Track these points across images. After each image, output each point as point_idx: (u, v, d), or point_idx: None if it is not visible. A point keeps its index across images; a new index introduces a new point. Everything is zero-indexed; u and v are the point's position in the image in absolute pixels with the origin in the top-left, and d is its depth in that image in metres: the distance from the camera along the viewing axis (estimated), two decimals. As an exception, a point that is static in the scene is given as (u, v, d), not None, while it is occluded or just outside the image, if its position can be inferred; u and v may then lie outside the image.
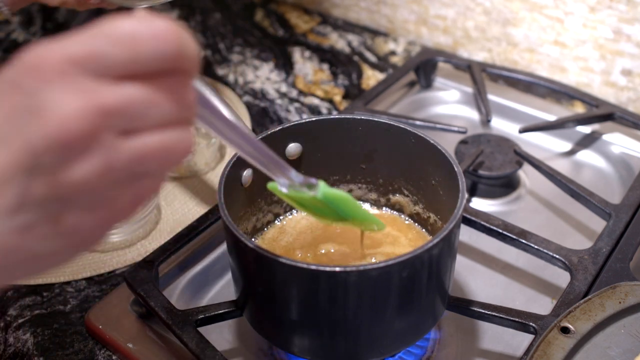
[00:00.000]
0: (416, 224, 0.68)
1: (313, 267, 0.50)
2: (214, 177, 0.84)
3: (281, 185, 0.48)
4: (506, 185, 0.84)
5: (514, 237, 0.68)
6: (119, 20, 0.31)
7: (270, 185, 0.49)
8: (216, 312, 0.60)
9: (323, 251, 0.64)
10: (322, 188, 0.49)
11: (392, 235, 0.67)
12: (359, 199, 0.70)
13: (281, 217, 0.69)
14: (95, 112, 0.29)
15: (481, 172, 0.80)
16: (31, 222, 0.31)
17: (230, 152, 0.87)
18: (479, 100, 0.92)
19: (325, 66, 1.07)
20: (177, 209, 0.80)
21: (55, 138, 0.29)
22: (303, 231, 0.67)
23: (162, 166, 0.33)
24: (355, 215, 0.55)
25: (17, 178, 0.29)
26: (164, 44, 0.31)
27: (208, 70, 1.06)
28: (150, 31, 0.31)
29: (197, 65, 0.33)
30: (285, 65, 1.08)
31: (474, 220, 0.70)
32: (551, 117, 0.90)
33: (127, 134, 0.31)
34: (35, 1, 0.63)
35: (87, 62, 0.30)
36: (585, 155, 0.89)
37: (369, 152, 0.67)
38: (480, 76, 0.94)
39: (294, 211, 0.69)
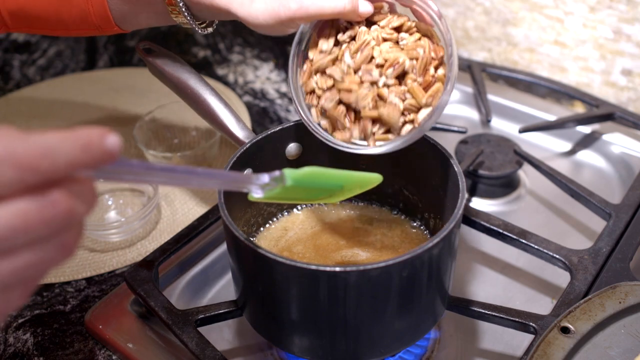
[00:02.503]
0: (416, 223, 0.68)
1: (313, 267, 0.50)
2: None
3: (255, 192, 0.47)
4: (506, 185, 0.84)
5: (514, 237, 0.68)
6: None
7: (249, 197, 0.48)
8: (216, 312, 0.60)
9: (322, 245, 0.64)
10: (288, 175, 0.47)
11: (392, 234, 0.67)
12: (359, 198, 0.70)
13: (280, 216, 0.69)
14: None
15: (481, 172, 0.80)
16: None
17: (230, 153, 0.87)
18: (479, 100, 0.92)
19: (325, 66, 1.07)
20: (177, 209, 0.80)
21: None
22: (302, 228, 0.67)
23: (37, 279, 0.33)
24: (340, 181, 0.52)
25: None
26: (30, 166, 0.30)
27: (208, 70, 1.06)
28: (12, 156, 0.30)
29: (80, 163, 0.31)
30: (285, 65, 1.08)
31: (474, 220, 0.70)
32: (551, 117, 0.90)
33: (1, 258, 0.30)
34: (228, 19, 0.62)
35: None
36: (585, 155, 0.89)
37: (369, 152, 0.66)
38: (480, 76, 0.94)
39: (294, 209, 0.69)
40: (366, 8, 0.56)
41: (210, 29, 0.66)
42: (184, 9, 0.61)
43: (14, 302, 0.33)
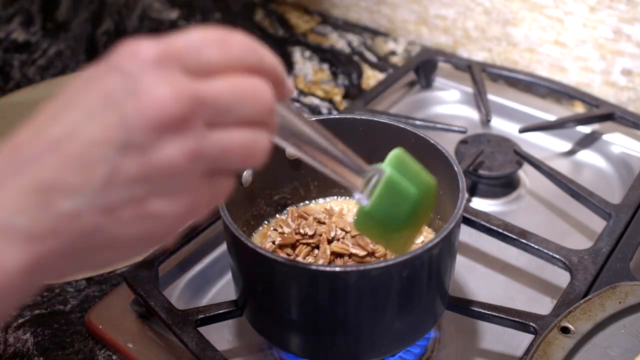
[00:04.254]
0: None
1: (313, 267, 0.50)
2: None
3: (361, 196, 0.46)
4: (506, 185, 0.84)
5: (514, 237, 0.68)
6: (208, 27, 0.34)
7: (356, 221, 0.48)
8: (216, 312, 0.60)
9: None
10: (385, 164, 0.47)
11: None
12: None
13: (279, 216, 0.69)
14: (188, 98, 0.31)
15: (481, 172, 0.80)
16: (116, 203, 0.31)
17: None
18: (479, 100, 0.92)
19: (326, 66, 1.07)
20: (177, 209, 0.80)
21: (151, 117, 0.30)
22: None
23: (241, 163, 0.34)
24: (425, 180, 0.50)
25: (108, 155, 0.30)
26: (247, 51, 0.34)
27: (208, 70, 1.06)
28: (236, 38, 0.34)
29: (275, 77, 0.36)
30: (285, 65, 1.08)
31: (474, 220, 0.70)
32: (551, 117, 0.90)
33: (213, 126, 0.32)
34: None
35: (182, 56, 0.32)
36: (585, 155, 0.89)
37: (369, 152, 0.66)
38: (480, 76, 0.94)
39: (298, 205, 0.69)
40: None
41: None
42: None
43: (223, 187, 0.34)
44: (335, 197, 0.71)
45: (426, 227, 0.65)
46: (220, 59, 0.33)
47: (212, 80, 0.32)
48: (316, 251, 0.63)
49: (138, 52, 0.31)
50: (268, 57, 0.36)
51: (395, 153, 0.49)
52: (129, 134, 0.30)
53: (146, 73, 0.31)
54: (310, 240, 0.63)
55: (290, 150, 0.58)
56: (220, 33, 0.34)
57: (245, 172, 0.62)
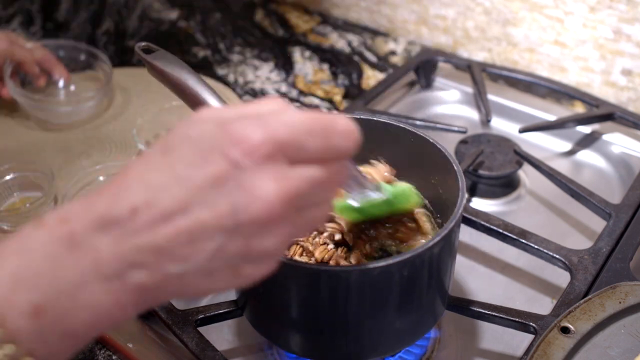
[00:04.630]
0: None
1: (314, 266, 0.50)
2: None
3: (354, 198, 0.51)
4: (506, 185, 0.84)
5: (514, 237, 0.68)
6: (316, 113, 0.38)
7: (337, 207, 0.52)
8: (216, 312, 0.60)
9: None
10: (388, 189, 0.53)
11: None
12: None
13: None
14: (289, 198, 0.35)
15: (481, 172, 0.80)
16: (216, 270, 0.36)
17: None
18: (479, 100, 0.92)
19: (326, 66, 1.07)
20: (177, 209, 0.80)
21: (258, 215, 0.34)
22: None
23: (313, 230, 0.42)
24: (406, 202, 0.57)
25: (217, 235, 0.34)
26: (349, 143, 0.38)
27: (208, 70, 1.06)
28: (341, 128, 0.38)
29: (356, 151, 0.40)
30: (285, 65, 1.08)
31: (474, 220, 0.70)
32: (551, 117, 0.90)
33: (300, 210, 0.37)
34: None
35: (289, 149, 0.35)
36: (585, 155, 0.89)
37: (369, 152, 0.66)
38: (480, 76, 0.94)
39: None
40: None
41: None
42: None
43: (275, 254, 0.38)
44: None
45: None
46: (321, 152, 0.37)
47: (308, 168, 0.36)
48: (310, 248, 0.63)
49: (248, 141, 0.34)
50: (358, 141, 0.39)
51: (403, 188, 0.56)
52: (237, 224, 0.34)
53: (254, 170, 0.34)
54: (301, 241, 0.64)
55: None
56: (324, 120, 0.37)
57: None
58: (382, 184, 0.53)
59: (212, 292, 0.41)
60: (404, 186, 0.56)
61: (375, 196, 0.51)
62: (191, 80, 0.67)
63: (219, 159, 0.34)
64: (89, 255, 0.33)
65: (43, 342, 0.33)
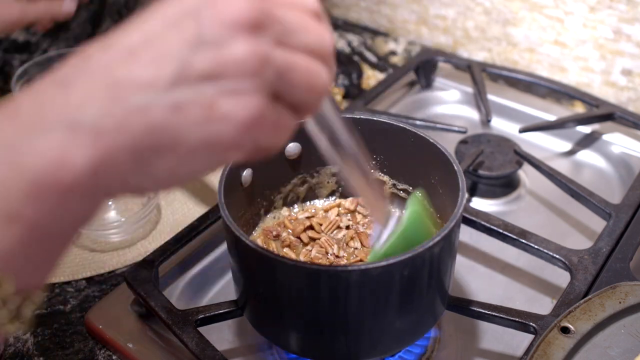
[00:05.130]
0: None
1: (314, 266, 0.50)
2: (214, 177, 0.84)
3: (379, 231, 0.51)
4: (506, 185, 0.84)
5: (514, 237, 0.68)
6: None
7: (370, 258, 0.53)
8: (216, 312, 0.60)
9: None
10: (406, 215, 0.52)
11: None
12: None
13: (279, 216, 0.69)
14: (261, 10, 0.32)
15: (481, 172, 0.80)
16: (186, 101, 0.31)
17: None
18: (479, 100, 0.92)
19: (325, 66, 1.07)
20: (177, 209, 0.80)
21: (226, 17, 0.31)
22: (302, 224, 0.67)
23: (304, 92, 0.34)
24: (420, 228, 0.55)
25: (181, 52, 0.30)
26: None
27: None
28: None
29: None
30: (285, 65, 1.08)
31: (474, 220, 0.70)
32: (551, 117, 0.90)
33: (282, 45, 0.33)
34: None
35: None
36: (585, 155, 0.89)
37: (369, 152, 0.66)
38: (480, 76, 0.94)
39: (294, 206, 0.69)
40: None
41: None
42: None
43: (286, 121, 0.34)
44: (334, 198, 0.71)
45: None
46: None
47: (281, 7, 0.33)
48: (313, 251, 0.63)
49: None
50: (324, 18, 0.37)
51: (415, 209, 0.53)
52: (202, 31, 0.31)
53: None
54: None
55: (290, 151, 0.59)
56: None
57: (245, 172, 0.62)
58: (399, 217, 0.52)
59: (186, 159, 0.32)
60: (416, 212, 0.54)
61: (393, 223, 0.51)
62: None
63: None
64: (37, 111, 0.30)
65: None
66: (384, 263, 0.49)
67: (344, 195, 0.70)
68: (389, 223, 0.51)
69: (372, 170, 0.46)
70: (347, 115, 0.65)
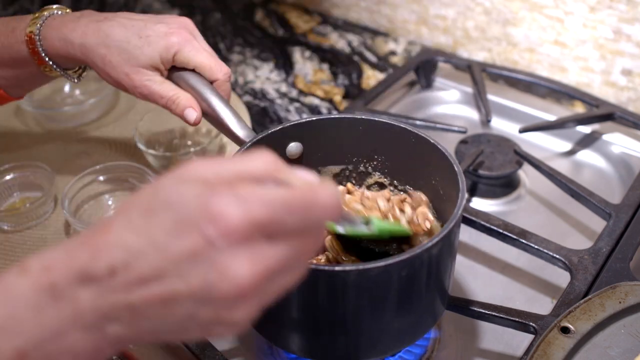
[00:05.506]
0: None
1: (312, 266, 0.50)
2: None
3: (341, 226, 0.51)
4: (506, 185, 0.84)
5: (514, 237, 0.68)
6: (297, 187, 0.38)
7: (329, 226, 0.53)
8: (216, 312, 0.60)
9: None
10: (377, 224, 0.52)
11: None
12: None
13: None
14: (261, 277, 0.36)
15: (481, 172, 0.80)
16: (187, 328, 0.37)
17: (230, 151, 0.87)
18: (479, 100, 0.92)
19: (325, 66, 1.07)
20: (177, 209, 0.80)
21: (229, 294, 0.35)
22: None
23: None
24: (395, 233, 0.57)
25: (189, 304, 0.35)
26: (329, 214, 0.38)
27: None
28: (322, 202, 0.37)
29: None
30: (285, 65, 1.08)
31: (474, 220, 0.70)
32: (551, 117, 0.90)
33: (273, 282, 0.37)
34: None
35: (267, 228, 0.35)
36: (585, 155, 0.89)
37: (370, 152, 0.67)
38: (480, 76, 0.94)
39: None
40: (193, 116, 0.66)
41: (84, 74, 0.73)
42: (54, 67, 0.68)
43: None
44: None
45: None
46: (300, 228, 0.37)
47: (285, 244, 0.36)
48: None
49: (225, 222, 0.34)
50: (340, 209, 0.40)
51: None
52: (208, 297, 0.35)
53: (229, 251, 0.35)
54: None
55: (291, 150, 0.60)
56: (306, 197, 0.37)
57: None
58: (372, 218, 0.53)
59: (183, 340, 0.42)
60: (396, 227, 0.57)
61: (361, 229, 0.51)
62: (193, 79, 0.67)
63: (196, 234, 0.35)
64: (69, 305, 0.35)
65: None
66: (382, 264, 0.49)
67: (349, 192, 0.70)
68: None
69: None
70: (347, 115, 0.65)
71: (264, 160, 0.39)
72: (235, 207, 0.35)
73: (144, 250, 0.35)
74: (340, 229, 0.51)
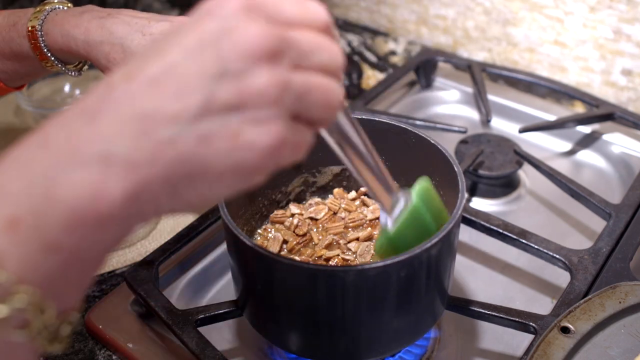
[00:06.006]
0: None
1: (312, 266, 0.50)
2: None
3: (387, 218, 0.49)
4: (506, 185, 0.84)
5: (514, 237, 0.68)
6: None
7: (376, 247, 0.52)
8: (216, 312, 0.60)
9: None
10: (413, 193, 0.50)
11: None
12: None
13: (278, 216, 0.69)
14: (278, 37, 0.33)
15: (481, 172, 0.80)
16: (212, 131, 0.32)
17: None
18: (479, 100, 0.92)
19: (325, 66, 1.07)
20: (177, 209, 0.80)
21: (245, 48, 0.32)
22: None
23: (321, 109, 0.36)
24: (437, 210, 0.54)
25: (204, 84, 0.32)
26: (320, 14, 0.36)
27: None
28: (312, 5, 0.36)
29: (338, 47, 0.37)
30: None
31: (474, 220, 0.70)
32: (551, 117, 0.90)
33: (298, 68, 0.34)
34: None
35: (266, 8, 0.34)
36: (585, 155, 0.89)
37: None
38: (480, 76, 0.94)
39: (291, 206, 0.69)
40: None
41: (84, 68, 0.72)
42: (56, 62, 0.67)
43: (305, 136, 0.36)
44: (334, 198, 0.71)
45: None
46: (298, 16, 0.35)
47: (294, 30, 0.34)
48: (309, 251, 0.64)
49: (226, 1, 0.33)
50: (334, 31, 0.38)
51: (423, 185, 0.52)
52: (224, 63, 0.32)
53: (238, 17, 0.33)
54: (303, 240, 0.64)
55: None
56: None
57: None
58: (403, 192, 0.51)
59: (215, 184, 0.34)
60: (424, 185, 0.53)
61: (401, 205, 0.49)
62: None
63: (203, 21, 0.33)
64: (68, 142, 0.31)
65: (27, 261, 0.30)
66: (380, 264, 0.49)
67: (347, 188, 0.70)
68: (398, 205, 0.50)
69: (381, 165, 0.46)
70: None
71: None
72: None
73: (150, 55, 0.33)
74: (389, 225, 0.50)
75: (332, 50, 0.36)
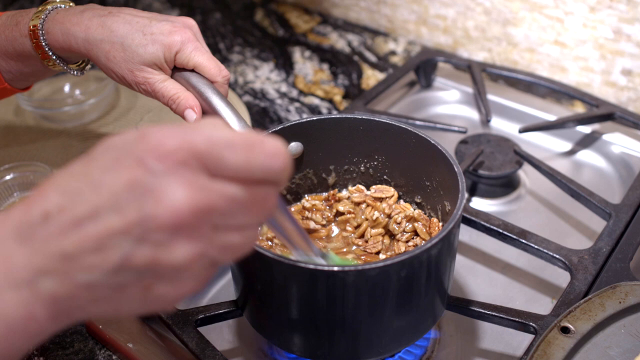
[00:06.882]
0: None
1: (312, 266, 0.50)
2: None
3: (297, 256, 0.50)
4: (506, 185, 0.84)
5: (514, 237, 0.68)
6: (238, 131, 0.36)
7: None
8: (216, 312, 0.60)
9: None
10: (334, 259, 0.53)
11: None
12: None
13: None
14: (202, 209, 0.34)
15: (481, 172, 0.80)
16: (126, 284, 0.35)
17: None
18: (479, 100, 0.92)
19: (325, 66, 1.07)
20: (177, 209, 0.80)
21: (167, 222, 0.33)
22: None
23: (234, 257, 0.38)
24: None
25: (124, 243, 0.33)
26: (274, 163, 0.36)
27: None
28: (268, 147, 0.36)
29: (285, 181, 0.38)
30: (285, 65, 1.08)
31: (474, 220, 0.70)
32: (551, 117, 0.90)
33: (218, 229, 0.36)
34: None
35: (206, 159, 0.34)
36: (585, 155, 0.89)
37: (370, 152, 0.67)
38: (480, 76, 0.94)
39: (292, 208, 0.69)
40: (192, 118, 0.65)
41: (87, 68, 0.73)
42: (58, 61, 0.68)
43: (212, 272, 0.38)
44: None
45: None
46: (241, 168, 0.35)
47: (226, 185, 0.35)
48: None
49: (164, 147, 0.34)
50: (287, 168, 0.37)
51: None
52: (144, 231, 0.33)
53: (169, 174, 0.34)
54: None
55: (291, 150, 0.60)
56: (249, 137, 0.35)
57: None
58: (329, 254, 0.53)
59: (127, 313, 0.38)
60: (351, 262, 0.58)
61: (317, 261, 0.51)
62: (193, 78, 0.67)
63: (133, 164, 0.34)
64: (1, 264, 0.34)
65: None
66: (380, 264, 0.49)
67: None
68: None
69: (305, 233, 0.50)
70: (347, 115, 0.65)
71: (216, 121, 0.38)
72: (174, 136, 0.34)
73: (79, 191, 0.34)
74: (297, 256, 0.51)
75: (263, 208, 0.37)
